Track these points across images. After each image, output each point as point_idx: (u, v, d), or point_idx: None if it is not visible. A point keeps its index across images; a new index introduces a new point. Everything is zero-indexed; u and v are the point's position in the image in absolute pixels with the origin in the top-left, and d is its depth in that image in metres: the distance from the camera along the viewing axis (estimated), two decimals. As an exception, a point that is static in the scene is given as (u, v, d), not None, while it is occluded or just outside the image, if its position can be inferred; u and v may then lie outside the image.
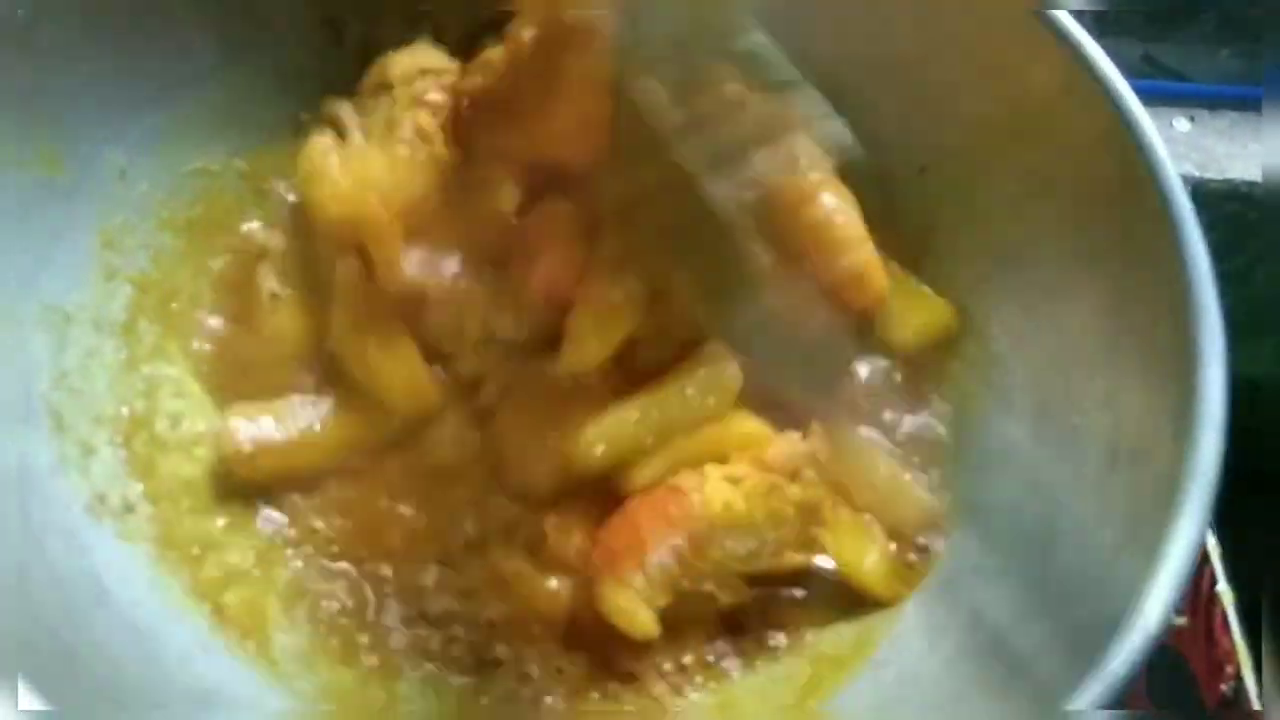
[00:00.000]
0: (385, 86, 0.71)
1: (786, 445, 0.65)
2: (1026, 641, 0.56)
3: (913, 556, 0.66)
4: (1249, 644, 0.81)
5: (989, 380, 0.71)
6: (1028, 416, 0.67)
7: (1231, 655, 0.81)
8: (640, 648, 0.62)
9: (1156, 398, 0.59)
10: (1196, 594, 0.83)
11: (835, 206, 0.67)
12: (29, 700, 0.44)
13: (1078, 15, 1.30)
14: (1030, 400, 0.68)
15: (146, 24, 0.69)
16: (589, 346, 0.65)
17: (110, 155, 0.68)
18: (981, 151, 0.72)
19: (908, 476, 0.69)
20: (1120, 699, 0.49)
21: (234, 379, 0.68)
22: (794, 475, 0.64)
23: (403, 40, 0.78)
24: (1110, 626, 0.50)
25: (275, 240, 0.72)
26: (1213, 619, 0.82)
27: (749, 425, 0.67)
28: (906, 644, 0.62)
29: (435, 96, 0.70)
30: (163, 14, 0.70)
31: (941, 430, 0.72)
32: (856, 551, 0.66)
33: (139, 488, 0.63)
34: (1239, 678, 0.80)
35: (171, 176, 0.72)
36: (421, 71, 0.71)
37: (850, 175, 0.77)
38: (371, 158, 0.68)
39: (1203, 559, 0.85)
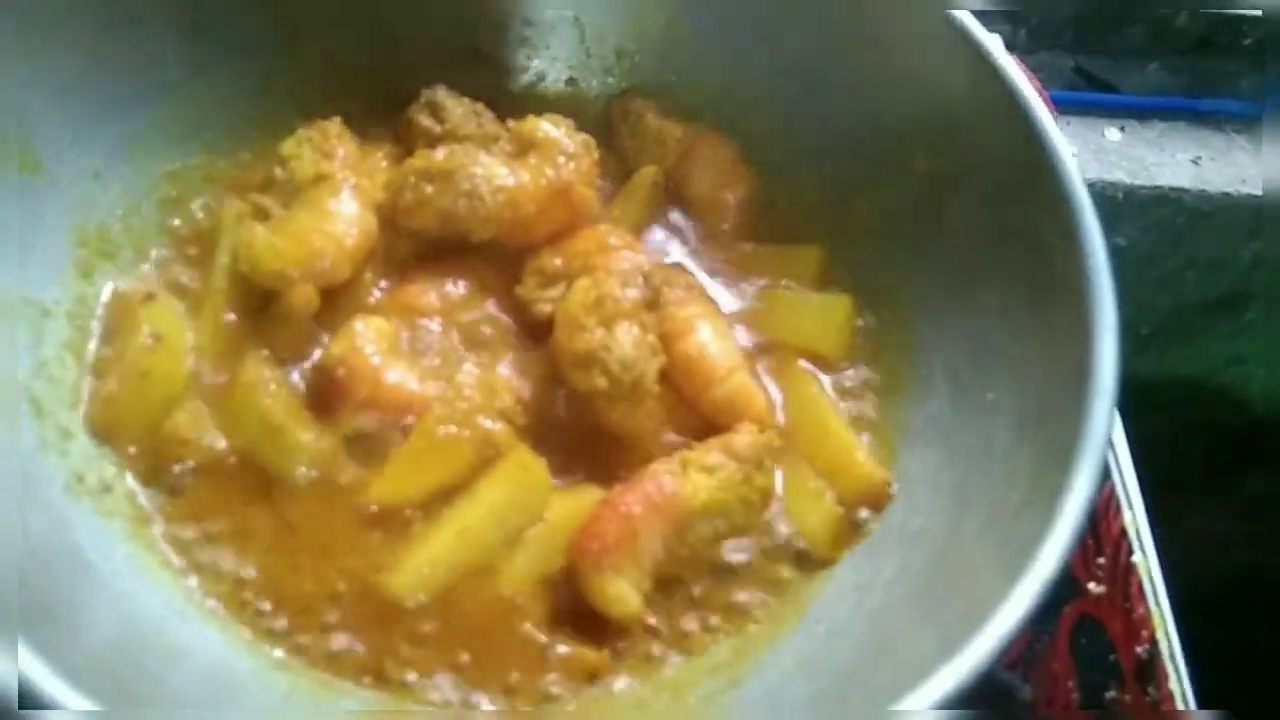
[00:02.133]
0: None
1: (752, 436, 0.71)
2: (939, 593, 0.61)
3: (854, 521, 0.72)
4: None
5: (912, 362, 0.77)
6: (946, 394, 0.73)
7: (1146, 620, 0.87)
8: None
9: (1057, 371, 0.64)
10: (1115, 564, 0.89)
11: (707, 340, 0.74)
12: (28, 658, 0.48)
13: (1011, 31, 1.38)
14: (948, 379, 0.74)
15: (119, 35, 0.73)
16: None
17: (86, 158, 0.72)
18: (898, 152, 0.79)
19: (861, 451, 0.74)
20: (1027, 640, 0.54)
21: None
22: (759, 464, 0.70)
23: (356, 54, 0.84)
24: (1013, 574, 0.55)
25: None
26: (1129, 587, 0.88)
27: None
28: (837, 602, 0.67)
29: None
30: (134, 27, 0.74)
31: (871, 410, 0.77)
32: (806, 513, 0.72)
33: (114, 470, 0.67)
34: (1154, 641, 0.86)
35: (144, 179, 0.76)
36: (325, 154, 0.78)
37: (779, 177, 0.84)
38: (297, 219, 0.74)
39: (1120, 533, 0.91)
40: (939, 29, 0.73)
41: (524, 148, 0.80)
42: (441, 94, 0.83)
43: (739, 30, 0.85)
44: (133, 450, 0.68)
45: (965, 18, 0.74)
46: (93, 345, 0.71)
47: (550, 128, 0.80)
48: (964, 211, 0.75)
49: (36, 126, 0.68)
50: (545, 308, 0.76)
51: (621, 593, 0.65)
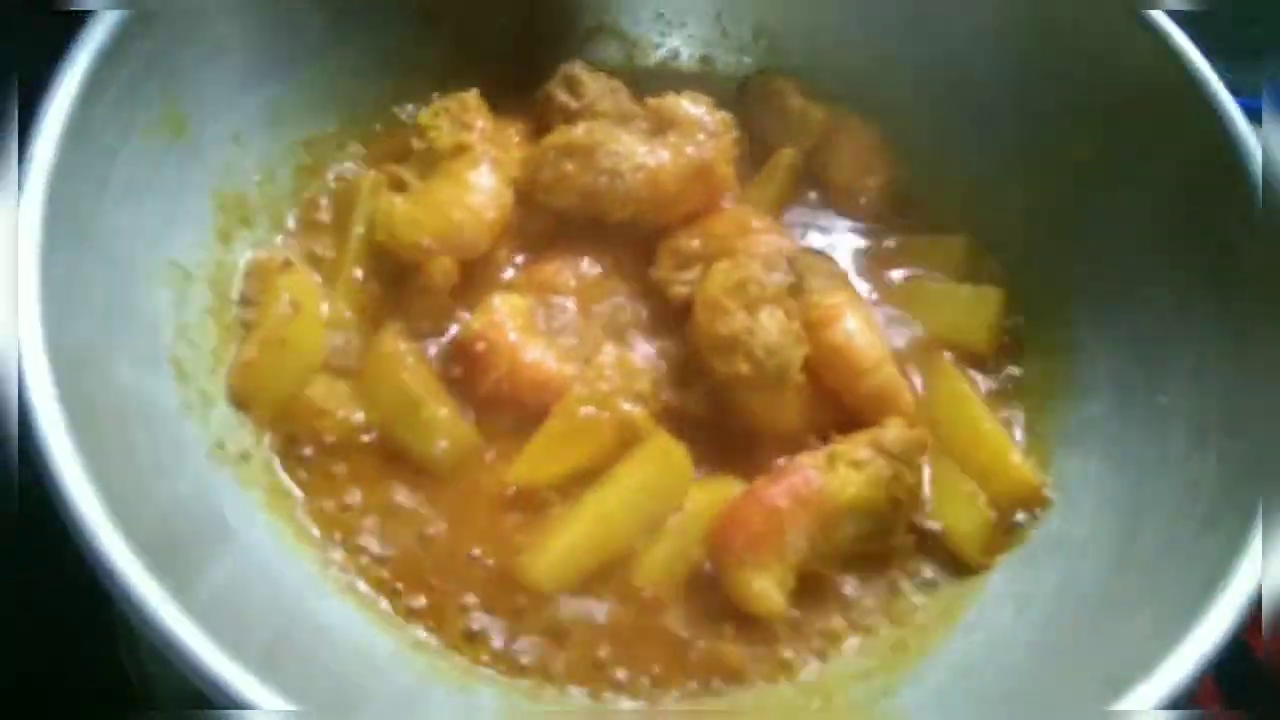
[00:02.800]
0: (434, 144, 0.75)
1: (901, 431, 0.67)
2: (1113, 612, 0.57)
3: (1007, 525, 0.68)
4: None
5: (1070, 361, 0.73)
6: (1109, 396, 0.69)
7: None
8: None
9: (1247, 375, 0.60)
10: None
11: (855, 329, 0.70)
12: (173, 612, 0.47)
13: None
14: (1111, 380, 0.70)
15: (265, 3, 0.72)
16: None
17: (227, 123, 0.71)
18: (1056, 141, 0.75)
19: (1016, 453, 0.70)
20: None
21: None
22: (909, 460, 0.66)
23: (490, 29, 0.82)
24: (1201, 597, 0.52)
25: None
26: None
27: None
28: (995, 611, 0.63)
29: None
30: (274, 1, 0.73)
31: (1022, 411, 0.73)
32: (958, 516, 0.68)
33: (252, 438, 0.66)
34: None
35: (280, 146, 0.75)
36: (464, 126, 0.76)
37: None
38: (436, 190, 0.73)
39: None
40: (1114, 14, 0.69)
41: (663, 125, 0.77)
42: (579, 69, 0.81)
43: (886, 12, 0.82)
44: (270, 419, 0.67)
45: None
46: (233, 311, 0.69)
47: (690, 105, 0.77)
48: (1132, 203, 0.71)
49: (183, 89, 0.67)
50: (682, 290, 0.73)
51: (765, 589, 0.62)
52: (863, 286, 0.79)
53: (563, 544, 0.63)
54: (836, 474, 0.65)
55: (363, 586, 0.62)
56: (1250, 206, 0.63)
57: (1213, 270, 0.65)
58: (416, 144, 0.76)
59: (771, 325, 0.67)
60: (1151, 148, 0.69)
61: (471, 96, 0.77)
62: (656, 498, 0.65)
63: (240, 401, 0.66)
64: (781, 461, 0.67)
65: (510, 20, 0.85)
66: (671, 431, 0.68)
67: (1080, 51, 0.73)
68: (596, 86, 0.81)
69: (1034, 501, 0.68)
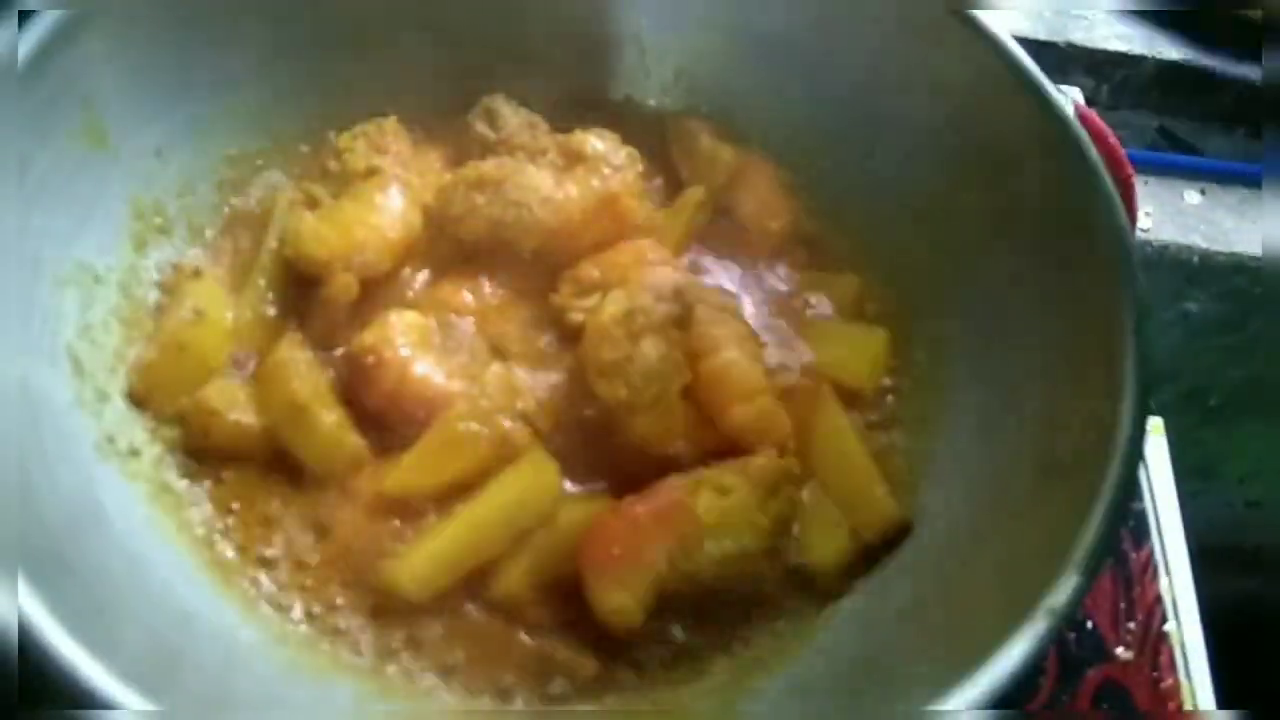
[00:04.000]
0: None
1: (770, 461, 0.70)
2: (945, 629, 0.59)
3: (867, 553, 0.70)
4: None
5: (943, 401, 0.75)
6: (974, 432, 0.72)
7: (1175, 691, 0.83)
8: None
9: (1085, 425, 0.63)
10: (1146, 631, 0.86)
11: (734, 360, 0.73)
12: (27, 594, 0.50)
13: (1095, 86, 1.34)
14: (978, 418, 0.72)
15: (195, 24, 0.76)
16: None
17: (150, 136, 0.75)
18: (946, 189, 0.78)
19: (881, 486, 0.73)
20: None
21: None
22: (774, 489, 0.69)
23: (421, 56, 0.86)
24: (1020, 613, 0.54)
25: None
26: (1159, 655, 0.85)
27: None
28: (844, 632, 0.66)
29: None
30: (210, 18, 0.77)
31: (898, 443, 0.76)
32: (823, 544, 0.70)
33: (145, 436, 0.69)
34: (1181, 711, 0.82)
35: (203, 161, 0.79)
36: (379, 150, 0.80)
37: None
38: (343, 209, 0.76)
39: (1155, 600, 0.88)
40: (990, 66, 0.73)
41: (571, 160, 0.81)
42: (499, 103, 0.85)
43: (789, 59, 0.86)
44: (165, 418, 0.70)
45: (1022, 58, 0.74)
46: (140, 315, 0.73)
47: (597, 142, 0.81)
48: (1009, 252, 0.74)
49: (106, 103, 0.71)
50: (578, 316, 0.76)
51: (622, 603, 0.65)
52: (758, 320, 0.81)
53: (429, 551, 0.66)
54: (701, 497, 0.67)
55: (236, 579, 0.65)
56: (1103, 267, 0.66)
57: (1065, 322, 0.68)
58: (332, 165, 0.80)
59: (652, 353, 0.69)
60: (1021, 198, 0.72)
61: (390, 123, 0.81)
62: (525, 510, 0.68)
63: (137, 400, 0.70)
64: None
65: (442, 51, 0.88)
66: (559, 452, 0.71)
67: (951, 100, 0.76)
68: (516, 121, 0.85)
69: (896, 531, 0.70)
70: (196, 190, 0.78)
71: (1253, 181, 1.73)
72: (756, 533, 0.68)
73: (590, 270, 0.78)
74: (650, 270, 0.77)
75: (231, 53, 0.79)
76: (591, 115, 0.87)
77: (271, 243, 0.77)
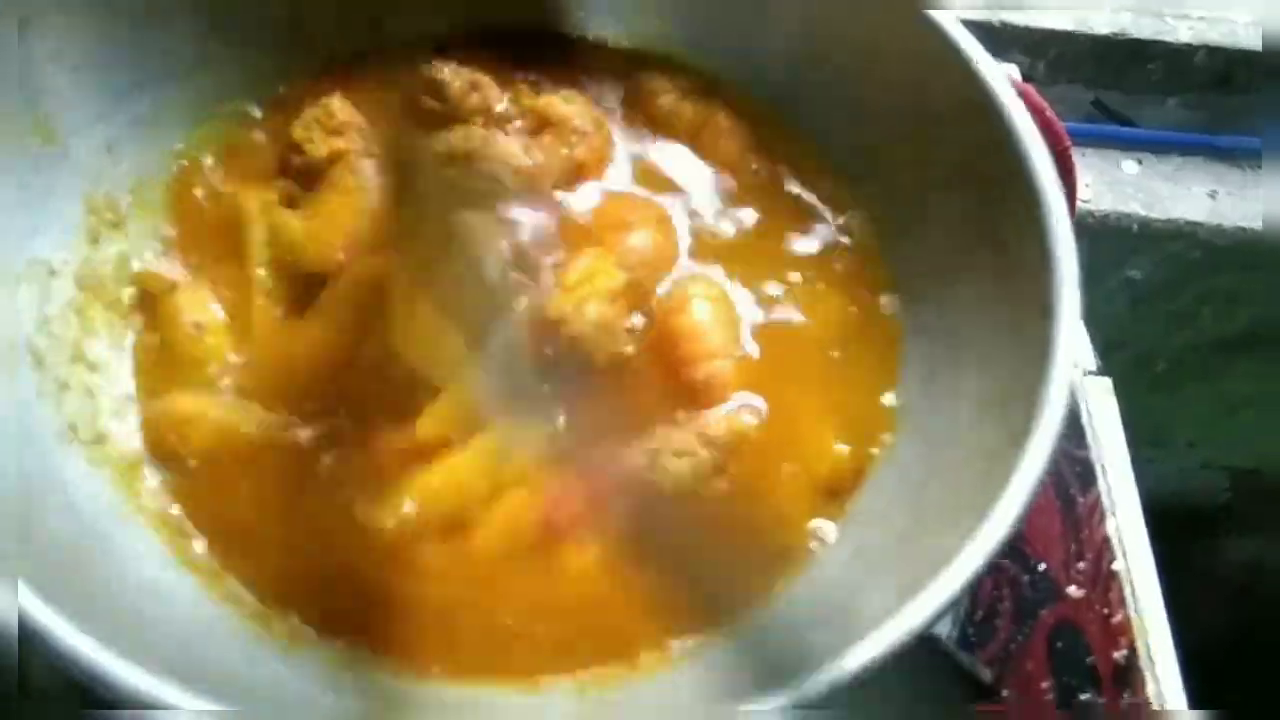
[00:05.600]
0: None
1: (729, 422, 0.72)
2: (892, 568, 0.62)
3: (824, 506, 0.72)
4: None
5: (894, 354, 0.78)
6: (919, 382, 0.74)
7: (1125, 627, 0.87)
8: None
9: (1022, 359, 0.66)
10: (1096, 570, 0.89)
11: (702, 316, 0.75)
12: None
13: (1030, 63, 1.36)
14: (924, 368, 0.75)
15: (134, 21, 0.77)
16: None
17: (100, 133, 0.76)
18: (884, 151, 0.81)
19: (836, 440, 0.75)
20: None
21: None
22: (733, 450, 0.71)
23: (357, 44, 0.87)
24: (964, 542, 0.57)
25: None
26: (1109, 593, 0.88)
27: None
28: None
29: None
30: (148, 16, 0.78)
31: (853, 397, 0.78)
32: (779, 500, 0.72)
33: (109, 423, 0.70)
34: (1132, 647, 0.85)
35: (153, 156, 0.80)
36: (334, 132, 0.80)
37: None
38: (326, 200, 0.77)
39: (1104, 541, 0.91)
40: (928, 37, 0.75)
41: (539, 126, 0.83)
42: (440, 71, 0.83)
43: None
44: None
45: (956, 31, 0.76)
46: (97, 307, 0.74)
47: (563, 105, 0.83)
48: (943, 207, 0.77)
49: (51, 101, 0.72)
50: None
51: (583, 567, 0.67)
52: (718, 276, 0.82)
53: (407, 488, 0.67)
54: (659, 460, 0.69)
55: (194, 547, 0.66)
56: (1023, 212, 0.69)
57: (998, 270, 0.71)
58: (296, 160, 0.80)
59: (593, 315, 0.71)
60: (949, 154, 0.75)
61: (335, 100, 0.81)
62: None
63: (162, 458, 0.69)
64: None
65: (377, 34, 0.89)
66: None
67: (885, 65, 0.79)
68: (459, 84, 0.84)
69: (850, 484, 0.73)
70: (149, 185, 0.79)
71: (1188, 149, 1.78)
72: (714, 494, 0.69)
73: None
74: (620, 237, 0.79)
75: (168, 48, 0.79)
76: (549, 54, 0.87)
77: (261, 254, 0.76)
